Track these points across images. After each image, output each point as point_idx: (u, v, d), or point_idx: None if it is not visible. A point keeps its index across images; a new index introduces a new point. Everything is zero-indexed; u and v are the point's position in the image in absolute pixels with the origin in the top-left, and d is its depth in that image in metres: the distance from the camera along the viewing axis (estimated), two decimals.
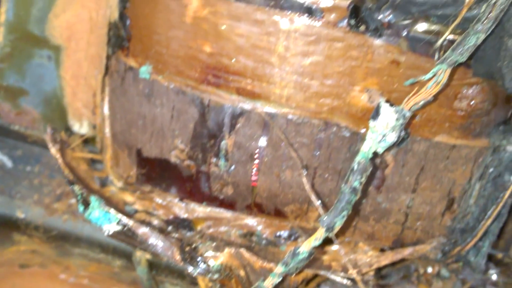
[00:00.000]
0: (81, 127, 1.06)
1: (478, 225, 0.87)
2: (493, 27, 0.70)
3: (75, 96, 1.04)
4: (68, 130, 1.06)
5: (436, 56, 0.77)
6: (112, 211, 0.83)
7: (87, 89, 1.02)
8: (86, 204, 0.84)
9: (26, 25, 0.98)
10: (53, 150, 0.90)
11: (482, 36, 0.70)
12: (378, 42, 0.77)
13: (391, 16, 0.75)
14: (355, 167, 0.70)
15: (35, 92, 1.04)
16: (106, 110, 0.95)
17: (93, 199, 0.83)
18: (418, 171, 0.84)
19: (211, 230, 0.88)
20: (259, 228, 0.87)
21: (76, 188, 0.86)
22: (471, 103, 0.81)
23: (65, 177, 0.88)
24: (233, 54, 0.80)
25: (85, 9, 0.97)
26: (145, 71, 0.86)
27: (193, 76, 0.83)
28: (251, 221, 0.87)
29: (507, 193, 0.85)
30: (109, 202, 0.88)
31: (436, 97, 0.72)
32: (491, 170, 0.87)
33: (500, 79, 0.78)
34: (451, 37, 0.76)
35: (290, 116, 0.81)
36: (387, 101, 0.73)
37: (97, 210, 0.83)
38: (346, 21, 0.76)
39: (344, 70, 0.78)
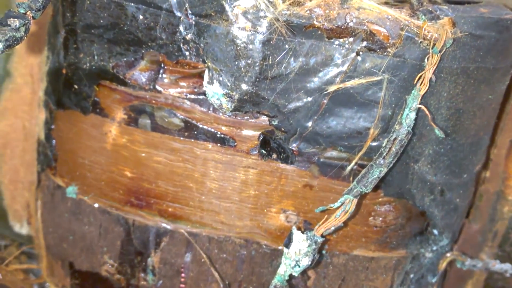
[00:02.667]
0: (22, 227, 1.08)
1: None
2: (394, 161, 0.73)
3: (14, 199, 1.06)
4: (9, 229, 1.08)
5: (350, 179, 0.80)
6: None
7: (25, 193, 1.04)
8: None
9: None
10: None
11: (385, 170, 0.73)
12: (290, 167, 0.79)
13: (300, 145, 0.78)
14: None
15: None
16: (39, 222, 0.97)
17: None
18: (339, 281, 0.86)
19: None
20: None
21: None
22: (385, 219, 0.83)
23: None
24: (153, 179, 0.83)
25: (18, 119, 0.99)
26: (71, 191, 0.88)
27: (117, 198, 0.85)
28: None
29: None
30: None
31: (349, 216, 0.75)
32: (411, 275, 0.89)
33: (411, 198, 0.81)
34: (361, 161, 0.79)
35: (211, 235, 0.83)
36: (298, 228, 0.76)
37: None
38: (257, 150, 0.79)
39: (260, 193, 0.81)
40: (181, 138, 0.80)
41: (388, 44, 0.72)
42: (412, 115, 0.72)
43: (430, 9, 0.74)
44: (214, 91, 0.75)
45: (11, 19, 0.63)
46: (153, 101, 0.79)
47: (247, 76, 0.73)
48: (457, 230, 0.92)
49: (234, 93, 0.75)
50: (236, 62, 0.73)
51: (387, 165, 0.73)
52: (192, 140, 0.80)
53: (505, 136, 0.92)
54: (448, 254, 0.91)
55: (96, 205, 0.86)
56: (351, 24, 0.72)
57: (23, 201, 1.05)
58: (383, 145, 0.73)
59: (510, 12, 0.80)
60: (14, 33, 0.62)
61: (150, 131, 0.81)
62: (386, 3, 0.78)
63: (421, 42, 0.72)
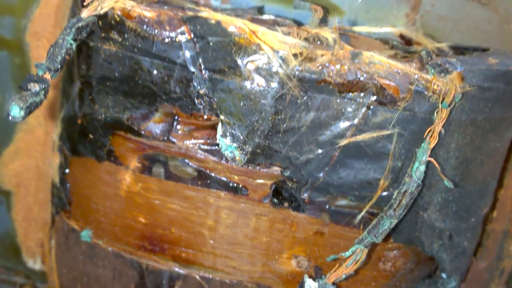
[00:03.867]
0: (35, 263, 1.09)
1: None
2: (404, 212, 0.74)
3: (27, 236, 1.07)
4: (22, 265, 1.10)
5: (360, 226, 0.81)
6: None
7: (38, 230, 1.05)
8: None
9: None
10: None
11: (395, 221, 0.74)
12: (301, 215, 0.81)
13: (311, 195, 0.79)
14: None
15: None
16: (53, 262, 0.98)
17: None
18: None
19: None
20: None
21: None
22: (395, 264, 0.85)
23: None
24: (167, 226, 0.84)
25: (31, 158, 1.01)
26: (86, 235, 0.89)
27: (131, 243, 0.87)
28: None
29: None
30: None
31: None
32: None
33: (420, 244, 0.83)
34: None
35: (224, 280, 0.84)
36: (310, 275, 0.78)
37: None
38: (269, 199, 0.80)
39: (272, 240, 0.82)
40: (194, 187, 0.82)
41: (398, 98, 0.74)
42: (422, 168, 0.73)
43: (439, 62, 0.75)
44: (228, 144, 0.76)
45: (31, 83, 0.64)
46: (167, 151, 0.81)
47: (260, 130, 0.75)
48: (465, 271, 0.93)
49: (247, 146, 0.76)
50: (249, 117, 0.75)
51: (397, 216, 0.74)
52: (205, 188, 0.81)
53: None
54: None
55: (110, 249, 0.88)
56: (361, 78, 0.74)
57: (37, 238, 1.07)
58: (394, 196, 0.75)
59: None
60: (34, 98, 0.64)
61: (164, 180, 0.82)
62: (395, 55, 0.79)
63: (430, 96, 0.74)
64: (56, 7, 0.94)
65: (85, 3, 0.75)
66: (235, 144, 0.76)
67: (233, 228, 0.82)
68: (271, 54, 0.71)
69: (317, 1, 0.89)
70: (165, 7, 0.78)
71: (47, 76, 0.68)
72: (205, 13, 0.75)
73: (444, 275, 0.87)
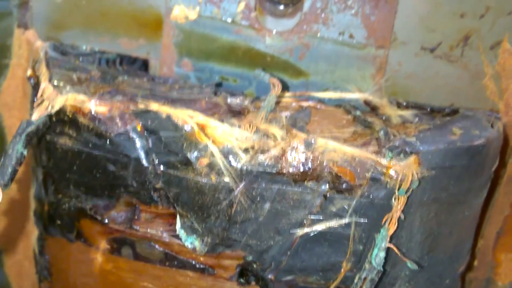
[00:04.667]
0: None
1: None
2: None
3: None
4: None
5: None
6: None
7: (31, 285, 1.08)
8: None
9: None
10: None
11: None
12: None
13: (277, 276, 0.79)
14: None
15: None
16: None
17: None
18: None
19: None
20: None
21: None
22: None
23: None
24: None
25: (16, 220, 1.03)
26: None
27: None
28: None
29: None
30: None
31: None
32: None
33: None
34: None
35: None
36: None
37: None
38: (235, 278, 0.81)
39: None
40: (163, 267, 0.82)
41: (354, 185, 0.72)
42: (382, 255, 0.72)
43: (397, 144, 0.73)
44: (187, 235, 0.76)
45: None
46: (133, 235, 0.81)
47: (217, 222, 0.75)
48: None
49: (206, 238, 0.76)
50: (205, 210, 0.74)
51: None
52: (173, 269, 0.82)
53: (492, 227, 0.92)
54: None
55: None
56: (316, 167, 0.72)
57: None
58: (355, 281, 0.74)
59: (485, 128, 0.78)
60: None
61: (133, 260, 0.83)
62: (354, 133, 0.78)
63: (387, 182, 0.72)
64: (22, 79, 0.94)
65: (35, 104, 0.75)
66: (194, 236, 0.76)
67: None
68: (218, 154, 0.70)
69: (282, 65, 0.87)
70: (118, 97, 0.77)
71: None
72: (155, 105, 0.74)
73: None
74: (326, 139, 0.73)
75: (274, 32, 0.85)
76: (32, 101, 0.83)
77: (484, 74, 0.84)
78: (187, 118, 0.72)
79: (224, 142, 0.72)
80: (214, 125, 0.72)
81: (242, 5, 0.84)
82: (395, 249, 0.73)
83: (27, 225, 1.05)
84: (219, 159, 0.70)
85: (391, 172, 0.72)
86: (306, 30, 0.84)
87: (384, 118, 0.82)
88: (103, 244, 0.84)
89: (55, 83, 0.79)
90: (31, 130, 0.72)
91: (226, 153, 0.72)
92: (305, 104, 0.84)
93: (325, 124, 0.80)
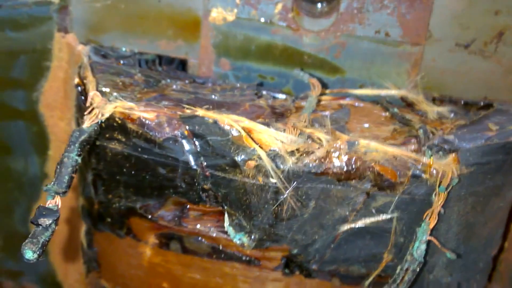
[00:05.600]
0: None
1: None
2: (408, 286, 0.78)
3: (67, 276, 1.15)
4: None
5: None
6: None
7: (76, 269, 1.13)
8: None
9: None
10: None
11: None
12: (313, 280, 0.85)
13: (320, 266, 0.83)
14: None
15: (31, 272, 1.16)
16: None
17: None
18: None
19: None
20: None
21: None
22: None
23: None
24: None
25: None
26: None
27: None
28: None
29: None
30: None
31: None
32: None
33: None
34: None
35: None
36: None
37: None
38: (281, 268, 0.85)
39: None
40: (210, 260, 0.86)
41: (396, 183, 0.76)
42: (423, 247, 0.76)
43: (436, 142, 0.76)
44: (235, 232, 0.80)
45: (42, 218, 0.69)
46: (181, 231, 0.85)
47: (264, 219, 0.78)
48: None
49: (253, 234, 0.80)
50: (252, 209, 0.78)
51: None
52: (220, 261, 0.86)
53: None
54: None
55: None
56: (359, 167, 0.75)
57: (76, 276, 1.14)
58: (397, 272, 0.78)
59: None
60: (45, 234, 0.68)
61: (182, 254, 0.87)
62: (393, 131, 0.80)
63: (428, 179, 0.75)
64: (63, 80, 0.96)
65: (85, 113, 0.78)
66: (242, 232, 0.80)
67: None
68: (265, 158, 0.73)
69: (319, 63, 0.89)
70: (164, 102, 0.80)
71: (57, 200, 0.72)
72: (201, 111, 0.77)
73: None
74: (368, 139, 0.76)
75: (311, 31, 0.87)
76: (79, 106, 0.86)
77: None
78: (234, 123, 0.75)
79: (270, 146, 0.75)
80: (260, 129, 0.75)
81: (279, 6, 0.87)
82: (435, 241, 0.76)
83: (72, 216, 1.09)
84: (267, 163, 0.74)
85: (432, 170, 0.75)
86: (343, 29, 0.86)
87: (421, 114, 0.85)
88: (152, 239, 0.88)
89: (103, 89, 0.82)
90: (84, 138, 0.75)
91: (272, 156, 0.75)
92: (343, 102, 0.87)
93: (364, 122, 0.83)
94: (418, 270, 0.77)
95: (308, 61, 0.89)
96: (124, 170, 0.82)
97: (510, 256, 0.99)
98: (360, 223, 0.78)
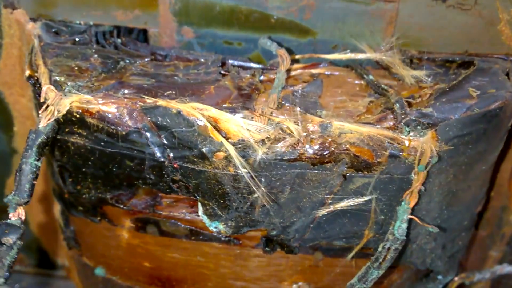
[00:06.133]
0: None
1: None
2: (389, 264, 0.77)
3: (50, 243, 1.15)
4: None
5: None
6: None
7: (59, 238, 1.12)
8: None
9: None
10: None
11: (382, 271, 0.77)
12: (295, 256, 0.84)
13: (301, 243, 0.81)
14: None
15: None
16: (76, 281, 1.06)
17: None
18: None
19: None
20: None
21: None
22: (390, 279, 0.89)
23: None
24: (171, 269, 0.89)
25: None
26: (100, 272, 0.95)
27: (141, 280, 0.93)
28: None
29: None
30: None
31: None
32: None
33: (413, 265, 0.86)
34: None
35: None
36: None
37: None
38: (261, 247, 0.83)
39: (271, 273, 0.87)
40: (189, 241, 0.85)
41: (373, 163, 0.72)
42: (404, 226, 0.74)
43: (414, 117, 0.72)
44: (210, 221, 0.78)
45: (5, 238, 0.66)
46: (156, 215, 0.83)
47: (239, 207, 0.76)
48: (459, 262, 0.96)
49: (229, 222, 0.77)
50: (226, 198, 0.75)
51: (384, 268, 0.76)
52: (200, 242, 0.84)
53: (508, 163, 0.92)
54: (456, 278, 0.96)
55: (125, 284, 0.94)
56: (334, 150, 0.72)
57: (60, 245, 1.14)
58: (379, 250, 0.76)
59: (502, 83, 0.77)
60: (10, 254, 0.65)
61: (159, 236, 0.85)
62: (369, 103, 0.76)
63: (406, 158, 0.72)
64: (18, 57, 0.90)
65: (40, 111, 0.73)
66: (217, 221, 0.78)
67: (233, 267, 0.86)
68: (233, 152, 0.70)
69: (288, 25, 0.83)
70: (123, 91, 0.75)
71: (20, 212, 0.69)
72: (163, 101, 0.72)
73: (440, 277, 0.91)
74: (342, 118, 0.71)
75: None
76: (35, 97, 0.81)
77: (499, 20, 0.80)
78: (198, 114, 0.70)
79: (238, 135, 0.71)
80: (227, 118, 0.71)
81: None
82: (416, 219, 0.74)
83: (47, 190, 1.06)
84: (234, 157, 0.70)
85: (410, 148, 0.71)
86: None
87: (398, 78, 0.80)
88: (128, 223, 0.86)
89: (57, 78, 0.76)
90: (42, 140, 0.71)
91: (241, 147, 0.71)
92: (315, 71, 0.81)
93: (338, 95, 0.78)
94: (400, 248, 0.75)
95: (276, 24, 0.83)
96: (89, 163, 0.78)
97: (496, 203, 0.97)
98: (338, 206, 0.75)
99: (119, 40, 0.87)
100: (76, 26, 0.86)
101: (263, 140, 0.71)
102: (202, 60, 0.82)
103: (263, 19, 0.83)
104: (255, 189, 0.72)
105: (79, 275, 1.04)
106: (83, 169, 0.79)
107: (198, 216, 0.80)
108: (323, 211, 0.75)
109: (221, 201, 0.75)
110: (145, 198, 0.81)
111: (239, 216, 0.76)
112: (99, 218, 0.86)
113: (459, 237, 0.88)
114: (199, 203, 0.77)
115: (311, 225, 0.78)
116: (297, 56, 0.83)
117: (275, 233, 0.80)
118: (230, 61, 0.84)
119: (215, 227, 0.78)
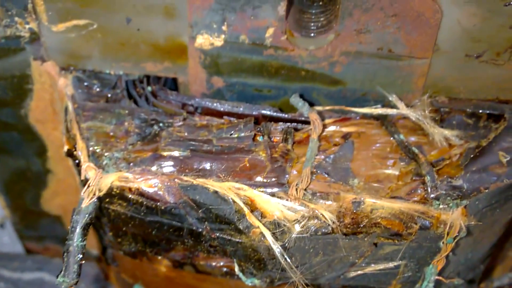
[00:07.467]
0: None
1: None
2: None
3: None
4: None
5: None
6: None
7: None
8: None
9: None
10: None
11: None
12: None
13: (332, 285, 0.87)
14: None
15: (52, 236, 1.22)
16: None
17: None
18: None
19: None
20: None
21: None
22: None
23: None
24: None
25: (70, 195, 1.09)
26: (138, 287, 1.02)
27: None
28: None
29: None
30: None
31: None
32: None
33: None
34: None
35: None
36: None
37: None
38: None
39: None
40: (225, 278, 0.90)
41: (403, 234, 0.76)
42: (431, 285, 0.79)
43: (444, 191, 0.75)
44: (246, 278, 0.82)
45: None
46: (193, 260, 0.88)
47: (274, 268, 0.80)
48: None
49: (264, 278, 0.82)
50: (262, 262, 0.79)
51: None
52: (235, 280, 0.90)
53: None
54: None
55: None
56: (366, 224, 0.75)
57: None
58: None
59: None
60: None
61: (195, 273, 0.91)
62: (400, 171, 0.78)
63: (435, 230, 0.75)
64: (50, 101, 0.91)
65: (82, 191, 0.75)
66: (253, 278, 0.82)
67: None
68: (269, 237, 0.73)
69: (318, 76, 0.83)
70: (160, 163, 0.77)
71: None
72: (200, 180, 0.74)
73: None
74: (374, 197, 0.74)
75: (307, 50, 0.80)
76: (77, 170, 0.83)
77: None
78: (235, 197, 0.73)
79: (273, 214, 0.73)
80: (263, 199, 0.73)
81: (270, 31, 0.78)
82: (443, 280, 0.78)
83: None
84: (271, 242, 0.73)
85: (439, 222, 0.74)
86: (341, 48, 0.79)
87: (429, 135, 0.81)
88: (166, 262, 0.91)
89: (95, 148, 0.78)
90: (85, 222, 0.74)
91: (277, 225, 0.74)
92: (346, 130, 0.82)
93: (369, 159, 0.80)
94: None
95: (307, 76, 0.83)
96: (129, 225, 0.82)
97: None
98: (367, 270, 0.79)
99: (149, 89, 0.87)
100: (106, 77, 0.87)
101: (297, 220, 0.74)
102: (235, 121, 0.83)
103: (293, 71, 0.83)
104: (287, 269, 0.75)
105: (118, 283, 1.11)
106: (124, 228, 0.83)
107: (233, 264, 0.85)
108: (353, 273, 0.79)
109: (257, 264, 0.79)
110: (182, 253, 0.85)
111: (274, 275, 0.81)
112: (138, 258, 0.90)
113: (480, 266, 0.93)
114: (235, 264, 0.82)
115: (341, 277, 0.83)
116: (327, 108, 0.84)
117: (306, 283, 0.84)
118: (263, 111, 0.84)
119: (251, 282, 0.83)
